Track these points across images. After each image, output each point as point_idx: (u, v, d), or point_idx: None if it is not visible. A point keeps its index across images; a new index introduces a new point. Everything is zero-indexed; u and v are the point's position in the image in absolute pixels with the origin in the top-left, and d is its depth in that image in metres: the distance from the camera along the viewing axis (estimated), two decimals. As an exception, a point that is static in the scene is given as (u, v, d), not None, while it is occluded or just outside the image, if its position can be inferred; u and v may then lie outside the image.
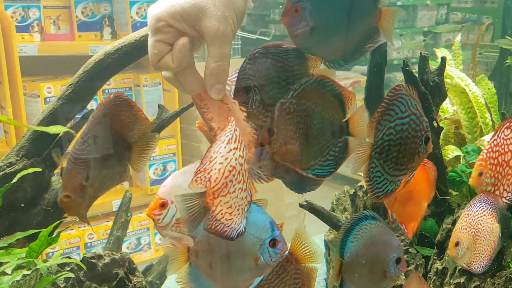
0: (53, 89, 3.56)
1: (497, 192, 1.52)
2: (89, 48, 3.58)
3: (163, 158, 3.78)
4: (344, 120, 1.25)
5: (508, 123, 1.50)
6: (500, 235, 1.69)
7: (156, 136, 1.38)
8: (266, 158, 1.22)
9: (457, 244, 1.65)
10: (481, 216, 1.66)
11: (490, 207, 1.66)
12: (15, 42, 3.30)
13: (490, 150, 1.49)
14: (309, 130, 1.24)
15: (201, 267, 1.17)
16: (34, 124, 1.64)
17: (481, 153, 1.50)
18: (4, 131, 3.65)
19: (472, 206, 1.68)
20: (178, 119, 3.77)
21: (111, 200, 3.56)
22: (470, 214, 1.66)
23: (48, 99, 3.55)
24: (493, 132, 2.23)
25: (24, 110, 3.52)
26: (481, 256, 1.67)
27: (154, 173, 3.76)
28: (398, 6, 8.06)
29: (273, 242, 1.19)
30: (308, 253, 1.34)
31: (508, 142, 1.48)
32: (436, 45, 7.37)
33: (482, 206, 1.66)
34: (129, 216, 2.36)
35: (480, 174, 1.48)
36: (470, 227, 1.65)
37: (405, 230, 1.55)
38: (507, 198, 1.55)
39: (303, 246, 1.34)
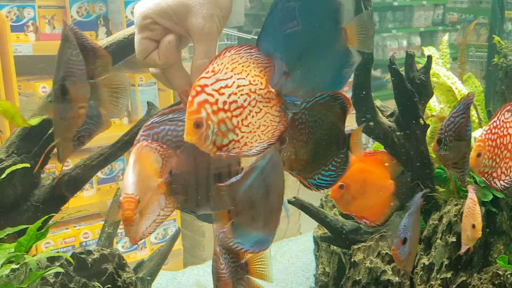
0: (48, 89, 3.55)
1: (494, 175, 1.49)
2: (84, 48, 3.62)
3: (159, 168, 3.82)
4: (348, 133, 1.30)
5: (509, 106, 1.49)
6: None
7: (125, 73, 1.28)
8: None
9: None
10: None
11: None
12: (10, 42, 3.30)
13: (489, 131, 1.47)
14: (318, 140, 1.27)
15: (243, 223, 1.17)
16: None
17: (480, 134, 1.49)
18: None
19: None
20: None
21: (105, 200, 3.57)
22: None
23: None
24: (480, 128, 2.27)
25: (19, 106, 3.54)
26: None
27: None
28: (394, 6, 8.09)
29: None
30: (261, 271, 1.36)
31: (508, 126, 1.47)
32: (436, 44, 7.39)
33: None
34: (121, 214, 2.38)
35: (479, 155, 1.46)
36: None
37: (367, 222, 1.56)
38: (505, 181, 1.51)
39: (260, 263, 1.36)
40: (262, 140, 1.09)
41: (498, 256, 2.17)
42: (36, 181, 1.73)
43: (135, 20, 1.22)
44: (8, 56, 3.42)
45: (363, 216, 1.56)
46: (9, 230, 1.65)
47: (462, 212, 2.11)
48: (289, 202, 2.15)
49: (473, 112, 2.27)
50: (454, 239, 2.08)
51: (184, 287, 2.80)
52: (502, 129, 1.47)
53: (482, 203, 2.14)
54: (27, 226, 1.60)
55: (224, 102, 1.05)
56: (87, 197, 3.62)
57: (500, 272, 2.06)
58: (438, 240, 2.11)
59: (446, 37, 2.57)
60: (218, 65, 1.06)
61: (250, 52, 1.09)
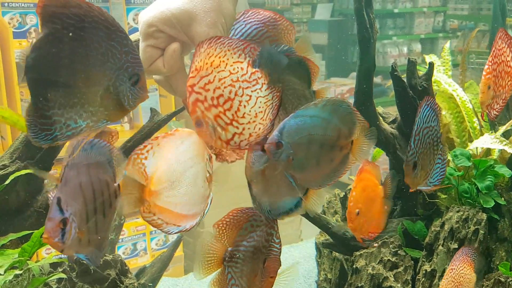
0: None
1: (493, 105, 1.52)
2: (86, 54, 3.64)
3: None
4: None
5: (500, 33, 1.49)
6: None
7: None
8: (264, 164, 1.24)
9: (489, 87, 1.59)
10: (462, 269, 1.73)
11: (470, 259, 1.75)
12: (12, 48, 3.33)
13: (492, 62, 1.48)
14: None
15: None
16: (27, 127, 1.66)
17: (486, 66, 1.48)
18: (0, 136, 3.66)
19: (456, 261, 1.75)
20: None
21: None
22: (454, 269, 1.73)
23: None
24: (483, 136, 2.27)
25: (21, 113, 3.54)
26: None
27: None
28: (395, 13, 8.13)
29: None
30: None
31: (500, 53, 1.48)
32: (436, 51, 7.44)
33: (464, 258, 1.75)
34: (123, 220, 2.38)
35: (489, 87, 1.46)
36: (454, 281, 1.72)
37: (372, 235, 1.59)
38: (495, 109, 1.53)
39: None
40: (265, 125, 1.10)
41: (500, 263, 2.18)
42: (39, 187, 1.74)
43: (140, 28, 1.23)
44: (11, 62, 3.44)
45: (370, 232, 1.58)
46: (12, 236, 1.65)
47: (464, 219, 2.12)
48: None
49: (474, 119, 2.27)
50: (456, 246, 2.08)
51: (186, 293, 2.80)
52: (500, 57, 1.48)
53: (483, 210, 2.15)
54: (31, 232, 1.61)
55: (212, 98, 1.05)
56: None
57: (502, 279, 2.06)
58: (440, 247, 2.11)
59: (447, 44, 2.57)
60: (198, 62, 1.06)
61: (222, 42, 1.08)
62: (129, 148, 1.78)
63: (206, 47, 1.07)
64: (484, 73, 1.45)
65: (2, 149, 3.62)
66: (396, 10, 7.94)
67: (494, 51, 1.45)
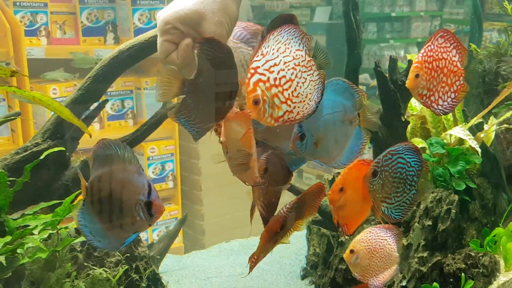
0: (58, 90, 3.71)
1: (432, 98, 1.52)
2: (93, 52, 3.74)
3: (162, 158, 3.90)
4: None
5: (441, 33, 1.53)
6: (398, 266, 1.79)
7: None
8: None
9: (352, 251, 1.77)
10: (382, 240, 1.79)
11: (393, 238, 1.80)
12: (23, 45, 3.49)
13: (425, 54, 1.49)
14: None
15: None
16: (58, 110, 1.91)
17: (416, 57, 1.52)
18: (11, 129, 3.81)
19: (378, 228, 1.80)
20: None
21: None
22: (372, 233, 1.79)
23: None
24: (456, 127, 2.52)
25: (31, 110, 3.70)
26: (375, 275, 1.77)
27: (153, 172, 3.92)
28: (392, 17, 8.31)
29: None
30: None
31: (442, 50, 1.52)
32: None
33: (386, 232, 1.80)
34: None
35: (417, 76, 1.48)
36: (368, 243, 1.78)
37: (346, 229, 1.63)
38: (443, 106, 1.54)
39: None
40: (311, 106, 1.27)
41: (471, 240, 2.42)
42: (67, 163, 1.99)
43: (158, 25, 1.44)
44: (22, 59, 3.60)
45: (346, 224, 1.64)
46: (43, 205, 1.90)
47: (438, 199, 2.38)
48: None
49: (449, 111, 2.53)
50: (430, 223, 2.34)
51: (189, 268, 3.05)
52: (437, 53, 1.51)
53: (455, 192, 2.41)
54: (60, 201, 1.86)
55: (275, 79, 1.22)
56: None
57: (472, 254, 2.30)
58: (416, 224, 2.37)
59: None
60: (265, 48, 1.23)
61: (288, 31, 1.26)
62: (145, 130, 2.02)
63: (276, 35, 1.24)
64: (413, 62, 1.52)
65: (13, 141, 3.81)
66: (393, 14, 7.97)
67: (430, 45, 1.51)
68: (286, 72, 1.24)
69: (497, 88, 2.84)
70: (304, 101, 1.26)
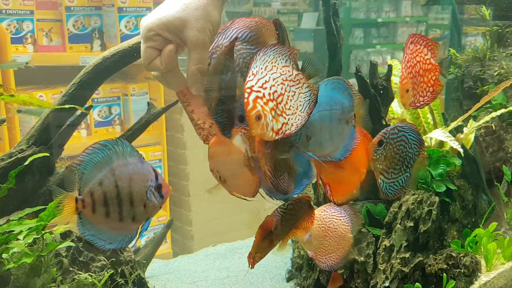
0: (44, 98, 3.68)
1: (415, 99, 1.59)
2: (79, 59, 3.73)
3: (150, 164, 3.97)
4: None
5: (410, 39, 1.60)
6: (354, 248, 1.81)
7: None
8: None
9: (407, 90, 1.66)
10: (336, 219, 1.80)
11: (348, 218, 1.81)
12: (9, 53, 3.47)
13: (406, 66, 1.56)
14: None
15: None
16: (42, 117, 1.94)
17: (401, 73, 1.58)
18: None
19: (332, 207, 1.81)
20: (164, 127, 4.03)
21: None
22: (327, 211, 1.79)
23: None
24: (437, 129, 2.57)
25: (17, 117, 3.71)
26: (327, 255, 1.79)
27: None
28: (378, 22, 8.40)
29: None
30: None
31: (415, 54, 1.58)
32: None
33: (341, 212, 1.81)
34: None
35: (407, 90, 1.56)
36: (322, 222, 1.78)
37: (329, 191, 1.61)
38: (424, 101, 1.61)
39: None
40: (303, 117, 1.34)
41: (452, 241, 2.47)
42: (51, 169, 2.01)
43: (141, 32, 1.48)
44: None
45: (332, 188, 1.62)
46: (28, 210, 1.92)
47: (419, 201, 2.43)
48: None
49: (428, 115, 2.59)
50: (412, 224, 2.39)
51: (175, 272, 3.07)
52: (412, 59, 1.57)
53: (436, 194, 2.45)
54: (44, 206, 1.88)
55: (269, 94, 1.30)
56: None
57: (454, 254, 2.34)
58: (398, 225, 2.41)
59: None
60: (254, 68, 1.31)
61: (274, 50, 1.34)
62: (130, 135, 2.06)
63: (262, 55, 1.33)
64: (399, 80, 1.59)
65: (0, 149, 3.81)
66: (379, 20, 8.07)
67: (406, 56, 1.58)
68: (277, 87, 1.31)
69: (476, 92, 2.90)
70: (295, 113, 1.33)
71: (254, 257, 1.51)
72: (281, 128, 1.31)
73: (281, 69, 1.33)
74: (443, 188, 2.47)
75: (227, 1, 1.54)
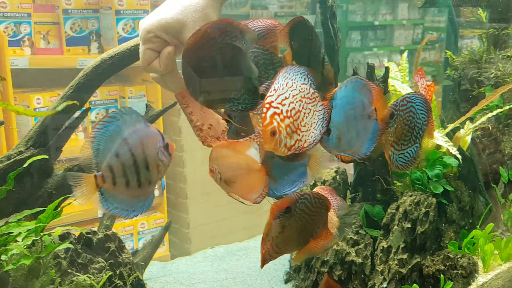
0: (42, 100, 3.69)
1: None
2: (77, 62, 3.73)
3: (147, 167, 3.97)
4: None
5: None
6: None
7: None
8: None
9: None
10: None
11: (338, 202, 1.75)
12: (7, 56, 3.45)
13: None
14: None
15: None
16: (41, 119, 1.95)
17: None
18: None
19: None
20: (162, 130, 4.03)
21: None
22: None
23: (37, 110, 3.70)
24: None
25: (15, 120, 3.70)
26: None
27: None
28: (375, 25, 8.43)
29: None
30: None
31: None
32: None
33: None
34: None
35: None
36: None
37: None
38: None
39: None
40: (316, 134, 1.40)
41: (449, 242, 2.48)
42: (50, 171, 2.01)
43: (140, 34, 1.48)
44: (6, 69, 3.58)
45: None
46: (27, 212, 1.92)
47: (416, 202, 2.44)
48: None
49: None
50: (409, 225, 2.39)
51: (173, 274, 3.07)
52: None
53: (433, 195, 2.46)
54: (43, 208, 1.88)
55: (287, 111, 1.35)
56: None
57: (451, 255, 2.35)
58: (395, 227, 2.42)
59: (405, 54, 2.92)
60: (277, 84, 1.36)
61: (294, 68, 1.40)
62: (127, 137, 2.05)
63: (284, 72, 1.38)
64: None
65: (-5, 152, 3.80)
66: (376, 23, 8.12)
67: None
68: (295, 104, 1.37)
69: (473, 94, 2.92)
70: (310, 129, 1.39)
71: (265, 241, 1.48)
72: (294, 144, 1.36)
73: (300, 86, 1.39)
74: (441, 190, 2.48)
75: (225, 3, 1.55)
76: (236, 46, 1.37)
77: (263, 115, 1.34)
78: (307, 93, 1.40)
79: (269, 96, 1.34)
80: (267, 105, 1.33)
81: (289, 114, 1.35)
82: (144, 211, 1.31)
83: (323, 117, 1.41)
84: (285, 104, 1.35)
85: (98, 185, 1.23)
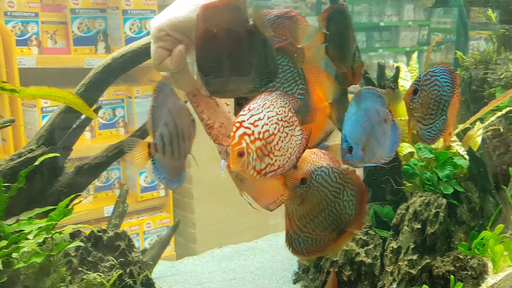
0: (49, 100, 3.76)
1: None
2: (84, 61, 3.74)
3: (153, 167, 3.97)
4: None
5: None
6: None
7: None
8: None
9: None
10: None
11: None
12: (14, 55, 3.49)
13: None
14: None
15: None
16: (51, 117, 1.94)
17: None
18: (2, 139, 3.80)
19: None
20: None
21: (102, 206, 3.75)
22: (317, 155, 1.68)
23: (44, 109, 3.72)
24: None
25: (22, 119, 3.70)
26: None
27: (144, 181, 3.94)
28: (381, 26, 8.41)
29: None
30: None
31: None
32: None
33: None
34: (126, 207, 2.65)
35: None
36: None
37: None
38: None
39: None
40: (291, 160, 1.33)
41: (459, 243, 2.47)
42: (60, 169, 2.01)
43: (151, 32, 1.49)
44: (13, 68, 3.59)
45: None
46: (38, 210, 1.92)
47: (426, 203, 2.42)
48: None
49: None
50: (419, 226, 2.38)
51: (181, 273, 3.07)
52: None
53: (443, 196, 2.45)
54: (54, 207, 1.88)
55: (259, 132, 1.28)
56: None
57: (461, 256, 2.34)
58: (405, 227, 2.41)
59: (415, 55, 2.91)
60: (253, 104, 1.30)
61: (278, 92, 1.35)
62: (138, 136, 2.06)
63: (266, 94, 1.33)
64: None
65: (4, 151, 3.80)
66: (382, 24, 8.10)
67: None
68: (269, 126, 1.30)
69: (483, 95, 2.91)
70: (285, 154, 1.32)
71: (287, 217, 1.45)
72: (264, 168, 1.29)
73: (278, 108, 1.32)
74: (451, 190, 2.47)
75: None
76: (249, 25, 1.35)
77: (232, 133, 1.27)
78: (285, 116, 1.33)
79: (241, 115, 1.28)
80: (237, 124, 1.26)
81: (261, 136, 1.27)
82: (181, 184, 1.34)
83: (300, 143, 1.34)
84: (257, 125, 1.27)
85: (151, 153, 1.26)
